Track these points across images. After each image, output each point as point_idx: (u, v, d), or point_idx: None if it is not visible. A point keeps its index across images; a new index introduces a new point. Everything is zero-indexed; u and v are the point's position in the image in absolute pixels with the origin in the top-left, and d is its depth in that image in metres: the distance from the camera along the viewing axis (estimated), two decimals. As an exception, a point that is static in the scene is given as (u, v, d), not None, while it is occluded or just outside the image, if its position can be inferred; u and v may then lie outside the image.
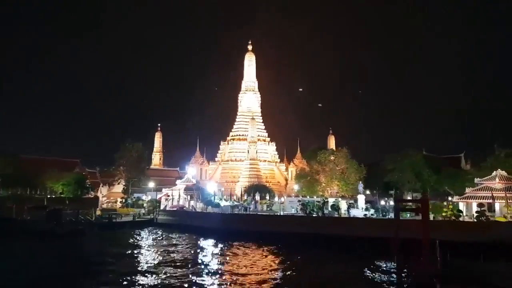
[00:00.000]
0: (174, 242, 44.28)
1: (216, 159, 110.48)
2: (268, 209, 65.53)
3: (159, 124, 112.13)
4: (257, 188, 76.83)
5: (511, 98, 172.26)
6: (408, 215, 43.73)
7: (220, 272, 29.81)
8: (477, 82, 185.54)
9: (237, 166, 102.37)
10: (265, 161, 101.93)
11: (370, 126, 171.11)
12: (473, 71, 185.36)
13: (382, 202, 72.17)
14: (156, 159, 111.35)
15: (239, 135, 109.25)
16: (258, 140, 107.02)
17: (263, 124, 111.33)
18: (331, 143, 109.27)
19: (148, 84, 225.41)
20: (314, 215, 49.68)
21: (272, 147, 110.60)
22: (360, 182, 55.12)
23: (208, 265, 32.33)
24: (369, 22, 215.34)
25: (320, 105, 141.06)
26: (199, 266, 31.67)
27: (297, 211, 60.87)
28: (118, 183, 69.73)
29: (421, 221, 29.82)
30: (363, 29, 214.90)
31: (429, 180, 68.77)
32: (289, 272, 29.89)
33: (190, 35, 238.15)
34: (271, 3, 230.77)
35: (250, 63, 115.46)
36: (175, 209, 60.79)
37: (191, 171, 74.47)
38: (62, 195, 66.50)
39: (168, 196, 65.97)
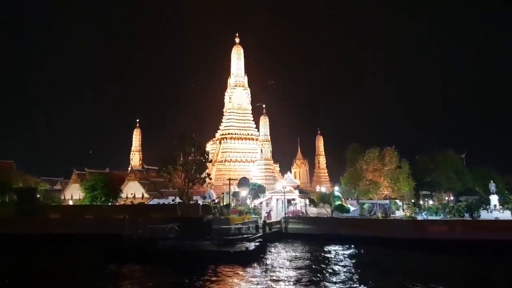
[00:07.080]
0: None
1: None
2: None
3: (137, 120, 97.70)
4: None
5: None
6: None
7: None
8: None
9: (234, 167, 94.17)
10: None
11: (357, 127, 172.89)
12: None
13: (421, 202, 72.16)
14: (136, 159, 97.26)
15: (231, 133, 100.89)
16: (252, 139, 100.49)
17: (254, 122, 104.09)
18: (320, 143, 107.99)
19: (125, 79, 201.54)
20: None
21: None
22: (492, 181, 52.94)
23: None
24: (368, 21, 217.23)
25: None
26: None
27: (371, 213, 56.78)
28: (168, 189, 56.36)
29: None
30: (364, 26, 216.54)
31: (468, 179, 70.61)
32: None
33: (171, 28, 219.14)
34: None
35: (238, 56, 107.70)
36: (290, 215, 51.46)
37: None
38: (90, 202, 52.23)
39: (290, 202, 55.45)
